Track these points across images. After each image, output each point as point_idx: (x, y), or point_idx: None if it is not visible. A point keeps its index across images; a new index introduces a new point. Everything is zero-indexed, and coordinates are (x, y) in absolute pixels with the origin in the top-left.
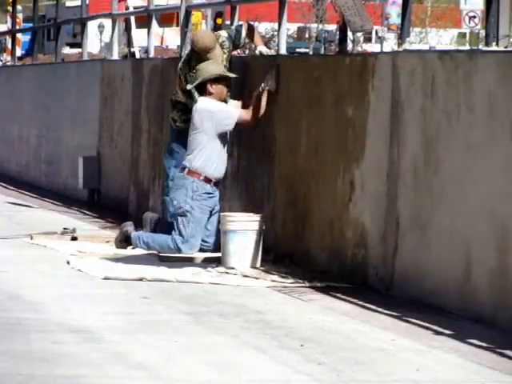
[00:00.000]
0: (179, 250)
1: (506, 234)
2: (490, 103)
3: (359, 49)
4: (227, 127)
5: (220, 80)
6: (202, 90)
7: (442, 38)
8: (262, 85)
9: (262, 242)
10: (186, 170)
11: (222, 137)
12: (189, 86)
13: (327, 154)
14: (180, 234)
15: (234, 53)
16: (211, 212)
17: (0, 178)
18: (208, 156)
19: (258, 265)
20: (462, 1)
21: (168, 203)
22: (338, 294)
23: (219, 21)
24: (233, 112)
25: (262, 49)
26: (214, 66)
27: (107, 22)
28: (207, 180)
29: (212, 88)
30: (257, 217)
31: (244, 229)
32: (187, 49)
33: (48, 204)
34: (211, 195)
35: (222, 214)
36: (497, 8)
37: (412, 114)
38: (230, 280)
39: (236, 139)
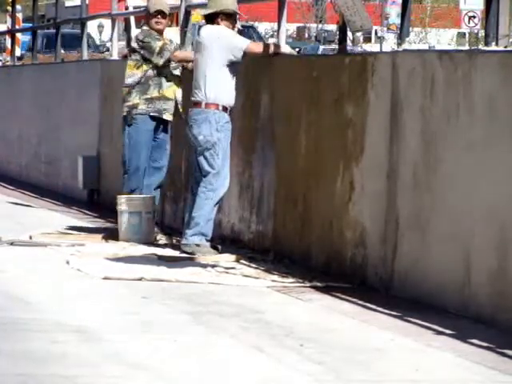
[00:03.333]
0: (212, 184)
1: (506, 234)
2: (489, 103)
3: (359, 49)
4: (235, 53)
5: (231, 16)
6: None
7: (442, 38)
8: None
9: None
10: (203, 103)
11: (231, 66)
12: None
13: (327, 154)
14: (211, 167)
15: None
16: None
17: (0, 178)
18: (219, 85)
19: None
20: (462, 1)
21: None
22: (338, 294)
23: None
24: (242, 40)
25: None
26: (231, 1)
27: (107, 22)
28: (224, 109)
29: (222, 22)
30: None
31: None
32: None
33: (48, 204)
34: (229, 123)
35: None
36: (497, 8)
37: (411, 113)
38: (230, 280)
39: (236, 139)
